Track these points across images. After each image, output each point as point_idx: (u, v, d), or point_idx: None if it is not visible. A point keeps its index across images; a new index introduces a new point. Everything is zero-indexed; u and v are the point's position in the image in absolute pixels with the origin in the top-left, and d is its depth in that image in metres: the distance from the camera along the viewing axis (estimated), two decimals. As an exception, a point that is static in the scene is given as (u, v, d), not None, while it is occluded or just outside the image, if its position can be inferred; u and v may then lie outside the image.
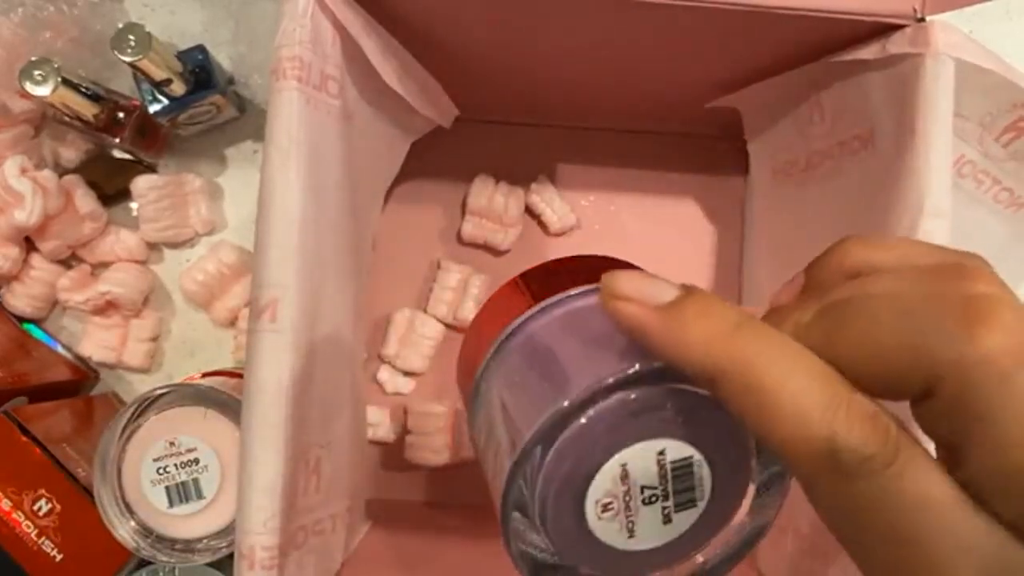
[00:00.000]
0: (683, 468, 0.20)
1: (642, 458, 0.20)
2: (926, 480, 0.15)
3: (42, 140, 0.48)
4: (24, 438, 0.39)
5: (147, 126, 0.47)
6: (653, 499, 0.21)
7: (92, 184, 0.47)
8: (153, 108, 0.44)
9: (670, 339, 0.18)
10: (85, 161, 0.48)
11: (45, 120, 0.47)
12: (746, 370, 0.17)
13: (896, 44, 0.32)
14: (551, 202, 0.48)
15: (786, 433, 0.16)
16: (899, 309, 0.17)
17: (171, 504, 0.37)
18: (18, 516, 0.38)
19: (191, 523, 0.37)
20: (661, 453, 0.20)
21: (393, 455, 0.47)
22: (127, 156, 0.48)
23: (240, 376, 0.43)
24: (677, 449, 0.20)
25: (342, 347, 0.37)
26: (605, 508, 0.20)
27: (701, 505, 0.21)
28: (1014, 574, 0.15)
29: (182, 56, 0.44)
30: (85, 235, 0.46)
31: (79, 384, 0.48)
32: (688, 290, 0.19)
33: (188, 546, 0.37)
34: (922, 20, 0.32)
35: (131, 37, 0.39)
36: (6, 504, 0.38)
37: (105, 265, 0.48)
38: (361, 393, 0.42)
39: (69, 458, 0.40)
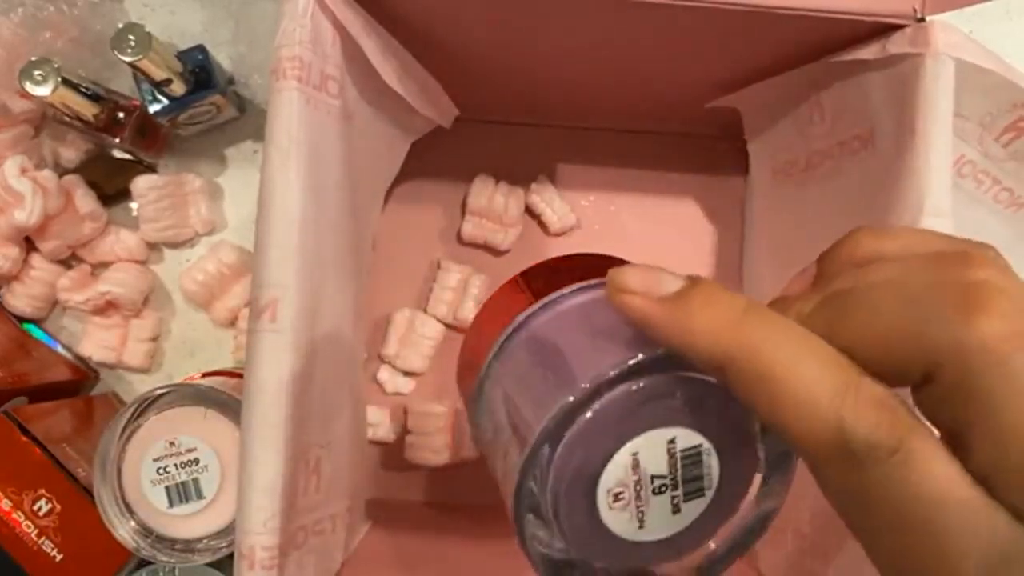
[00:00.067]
0: (692, 456, 0.21)
1: (653, 447, 0.20)
2: (934, 467, 0.15)
3: (42, 140, 0.48)
4: (24, 438, 0.39)
5: (147, 126, 0.47)
6: (663, 488, 0.21)
7: (92, 184, 0.47)
8: (153, 108, 0.44)
9: (677, 328, 0.18)
10: (85, 161, 0.48)
11: (45, 120, 0.47)
12: (754, 356, 0.17)
13: (896, 44, 0.32)
14: (551, 202, 0.48)
15: (795, 419, 0.16)
16: (900, 296, 0.17)
17: (171, 504, 0.37)
18: (18, 516, 0.38)
19: (191, 523, 0.37)
20: (671, 442, 0.20)
21: (393, 455, 0.47)
22: (127, 156, 0.48)
23: (240, 376, 0.43)
24: (686, 437, 0.20)
25: (342, 347, 0.37)
26: (616, 498, 0.20)
27: (709, 494, 0.21)
28: (1021, 561, 0.15)
29: (182, 56, 0.44)
30: (85, 235, 0.46)
31: (79, 384, 0.48)
32: (693, 280, 0.19)
33: (188, 546, 0.37)
34: (922, 20, 0.32)
35: (131, 37, 0.39)
36: (6, 504, 0.38)
37: (105, 265, 0.48)
38: (361, 393, 0.42)
39: (69, 458, 0.40)
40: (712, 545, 0.23)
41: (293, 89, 0.30)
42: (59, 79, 0.41)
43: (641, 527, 0.21)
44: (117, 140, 0.46)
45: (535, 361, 0.23)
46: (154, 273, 0.48)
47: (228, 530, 0.37)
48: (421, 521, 0.46)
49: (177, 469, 0.37)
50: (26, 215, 0.43)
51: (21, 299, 0.46)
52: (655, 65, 0.39)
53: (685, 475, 0.21)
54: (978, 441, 0.15)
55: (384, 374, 0.47)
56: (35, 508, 0.38)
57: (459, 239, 0.48)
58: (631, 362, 0.19)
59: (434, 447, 0.45)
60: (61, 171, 0.47)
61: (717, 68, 0.39)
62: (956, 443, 0.16)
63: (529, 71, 0.41)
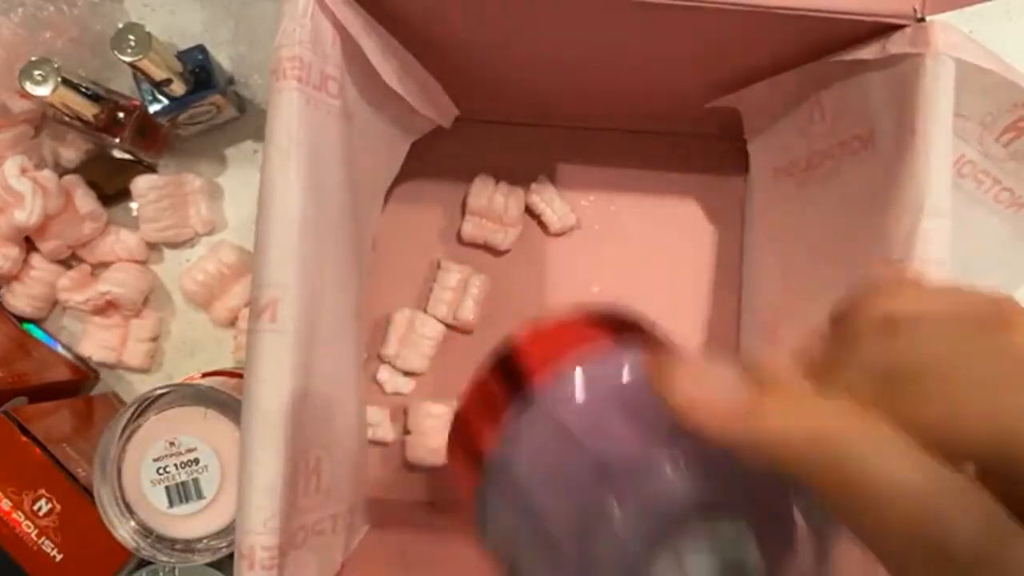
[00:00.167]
0: (734, 546, 0.19)
1: (696, 542, 0.18)
2: None
3: (42, 140, 0.48)
4: (24, 438, 0.39)
5: (147, 126, 0.47)
6: None
7: (92, 184, 0.47)
8: (153, 108, 0.44)
9: (747, 438, 0.17)
10: (85, 161, 0.48)
11: (45, 120, 0.47)
12: (840, 463, 0.15)
13: (896, 44, 0.32)
14: (551, 202, 0.48)
15: (888, 526, 0.15)
16: (959, 375, 0.16)
17: (171, 504, 0.37)
18: (18, 516, 0.38)
19: (191, 523, 0.37)
20: (712, 532, 0.18)
21: (393, 455, 0.47)
22: (127, 156, 0.48)
23: (240, 376, 0.43)
24: (730, 527, 0.19)
25: (342, 347, 0.37)
26: None
27: None
28: None
29: (182, 56, 0.44)
30: (85, 235, 0.46)
31: (79, 384, 0.48)
32: (762, 383, 0.17)
33: (188, 546, 0.37)
34: (922, 20, 0.32)
35: (131, 37, 0.39)
36: (6, 504, 0.38)
37: (105, 265, 0.48)
38: (361, 393, 0.42)
39: (69, 458, 0.40)
40: None
41: (293, 89, 0.30)
42: (59, 79, 0.41)
43: None
44: (117, 140, 0.46)
45: (563, 453, 0.20)
46: (154, 273, 0.48)
47: (228, 530, 0.37)
48: (421, 521, 0.46)
49: (177, 469, 0.37)
50: (26, 215, 0.43)
51: (21, 299, 0.46)
52: (655, 65, 0.39)
53: (725, 561, 0.19)
54: None
55: (384, 374, 0.47)
56: (35, 508, 0.38)
57: (459, 239, 0.48)
58: (706, 498, 0.17)
59: (434, 447, 0.45)
60: (61, 171, 0.47)
61: (717, 68, 0.39)
62: None
63: (529, 71, 0.41)
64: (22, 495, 0.38)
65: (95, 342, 0.47)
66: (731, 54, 0.37)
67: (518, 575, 0.21)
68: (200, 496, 0.37)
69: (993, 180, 0.37)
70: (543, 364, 0.21)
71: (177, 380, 0.47)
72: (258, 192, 0.30)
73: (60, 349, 0.47)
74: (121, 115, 0.45)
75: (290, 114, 0.30)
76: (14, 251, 0.45)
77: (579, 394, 0.20)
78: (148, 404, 0.37)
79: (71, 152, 0.47)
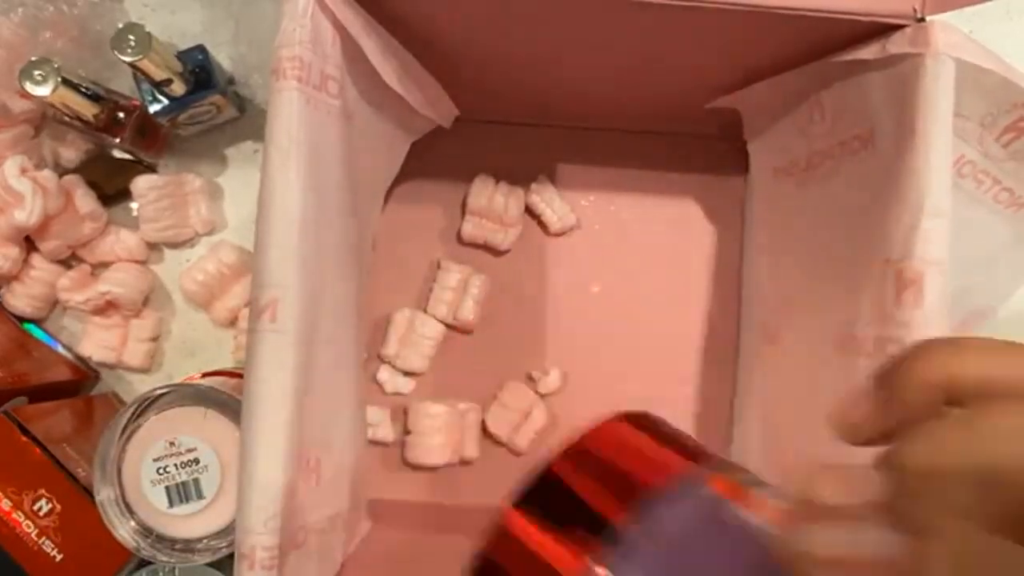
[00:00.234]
0: None
1: None
2: None
3: (42, 140, 0.48)
4: (24, 438, 0.39)
5: (147, 126, 0.47)
6: None
7: (92, 184, 0.47)
8: (153, 108, 0.44)
9: None
10: (85, 161, 0.48)
11: (45, 120, 0.47)
12: None
13: (896, 44, 0.32)
14: (551, 202, 0.48)
15: None
16: None
17: (171, 504, 0.37)
18: (18, 516, 0.38)
19: (191, 523, 0.37)
20: None
21: (393, 455, 0.47)
22: (127, 156, 0.48)
23: (240, 376, 0.43)
24: None
25: (342, 347, 0.37)
26: None
27: None
28: None
29: (182, 56, 0.44)
30: (85, 235, 0.46)
31: (79, 384, 0.48)
32: (922, 537, 0.16)
33: (188, 546, 0.37)
34: (922, 20, 0.32)
35: (131, 37, 0.39)
36: (6, 504, 0.38)
37: (105, 265, 0.48)
38: (361, 393, 0.42)
39: (69, 458, 0.40)
40: None
41: (293, 89, 0.30)
42: (59, 79, 0.41)
43: None
44: (117, 140, 0.46)
45: None
46: (154, 273, 0.48)
47: (228, 530, 0.37)
48: (421, 521, 0.46)
49: (177, 469, 0.37)
50: (26, 215, 0.43)
51: (21, 299, 0.46)
52: (655, 65, 0.39)
53: None
54: None
55: (384, 374, 0.47)
56: (35, 508, 0.38)
57: (459, 239, 0.48)
58: None
59: (434, 447, 0.45)
60: (61, 171, 0.47)
61: (717, 68, 0.39)
62: None
63: (529, 71, 0.41)
64: (22, 495, 0.38)
65: (95, 342, 0.47)
66: (731, 54, 0.37)
67: None
68: (200, 496, 0.37)
69: (993, 180, 0.37)
70: (620, 496, 0.18)
71: (177, 380, 0.47)
72: (258, 192, 0.30)
73: (60, 349, 0.47)
74: (121, 115, 0.46)
75: (290, 114, 0.30)
76: (14, 251, 0.45)
77: (674, 535, 0.17)
78: (148, 404, 0.37)
79: (71, 152, 0.47)
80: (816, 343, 0.37)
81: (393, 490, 0.47)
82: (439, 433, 0.45)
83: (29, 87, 0.41)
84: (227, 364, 0.48)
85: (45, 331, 0.48)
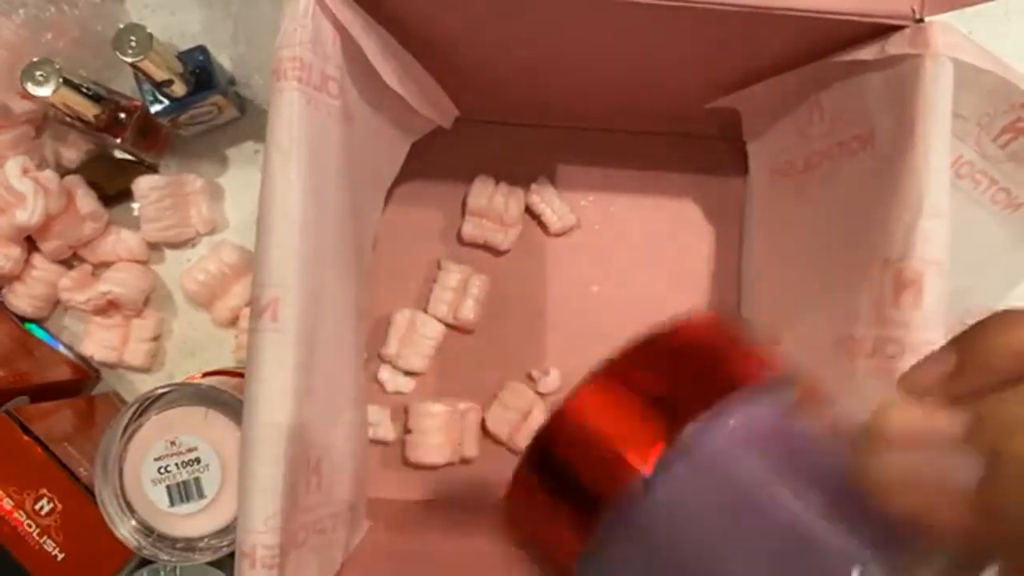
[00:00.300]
0: None
1: None
2: None
3: (43, 140, 0.48)
4: (26, 437, 0.39)
5: (148, 126, 0.47)
6: None
7: (93, 184, 0.47)
8: (154, 108, 0.44)
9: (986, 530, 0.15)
10: (86, 161, 0.48)
11: (46, 120, 0.48)
12: None
13: (895, 45, 0.32)
14: (551, 202, 0.48)
15: None
16: None
17: (172, 503, 0.37)
18: (20, 515, 0.38)
19: (192, 522, 0.37)
20: None
21: (393, 454, 0.47)
22: (128, 156, 0.49)
23: (241, 375, 0.43)
24: None
25: (343, 347, 0.37)
26: None
27: None
28: None
29: (183, 57, 0.44)
30: (86, 235, 0.47)
31: (80, 384, 0.48)
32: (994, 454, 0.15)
33: (189, 545, 0.37)
34: (921, 21, 0.32)
35: (132, 38, 0.40)
36: (8, 503, 0.38)
37: (106, 265, 0.48)
38: (362, 392, 0.42)
39: (71, 457, 0.40)
40: None
41: (294, 90, 0.30)
42: (60, 80, 0.41)
43: None
44: (118, 140, 0.46)
45: (733, 514, 0.16)
46: (155, 273, 0.49)
47: (229, 529, 0.37)
48: (421, 520, 0.46)
49: (178, 468, 0.37)
50: (27, 215, 0.43)
51: (23, 299, 0.46)
52: (655, 66, 0.39)
53: None
54: None
55: (385, 373, 0.47)
56: (37, 507, 0.38)
57: (459, 239, 0.48)
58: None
59: (434, 447, 0.45)
60: (62, 171, 0.47)
61: (717, 69, 0.39)
62: None
63: (529, 71, 0.41)
64: (24, 494, 0.38)
65: (96, 342, 0.47)
66: (731, 55, 0.37)
67: None
68: (201, 495, 0.37)
69: (990, 180, 0.37)
70: (690, 396, 0.17)
71: (178, 379, 0.47)
72: (259, 192, 0.30)
73: (62, 349, 0.48)
74: (122, 115, 0.46)
75: (291, 114, 0.30)
76: (16, 251, 0.45)
77: (746, 442, 0.17)
78: (149, 403, 0.37)
79: (72, 152, 0.48)
80: (815, 343, 0.37)
81: (393, 489, 0.47)
82: (439, 433, 0.46)
83: (30, 88, 0.41)
84: (228, 364, 0.48)
85: (46, 331, 0.48)
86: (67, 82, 0.41)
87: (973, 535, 0.15)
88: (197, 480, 0.37)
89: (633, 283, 0.49)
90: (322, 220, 0.32)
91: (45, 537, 0.38)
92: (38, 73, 0.41)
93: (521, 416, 0.47)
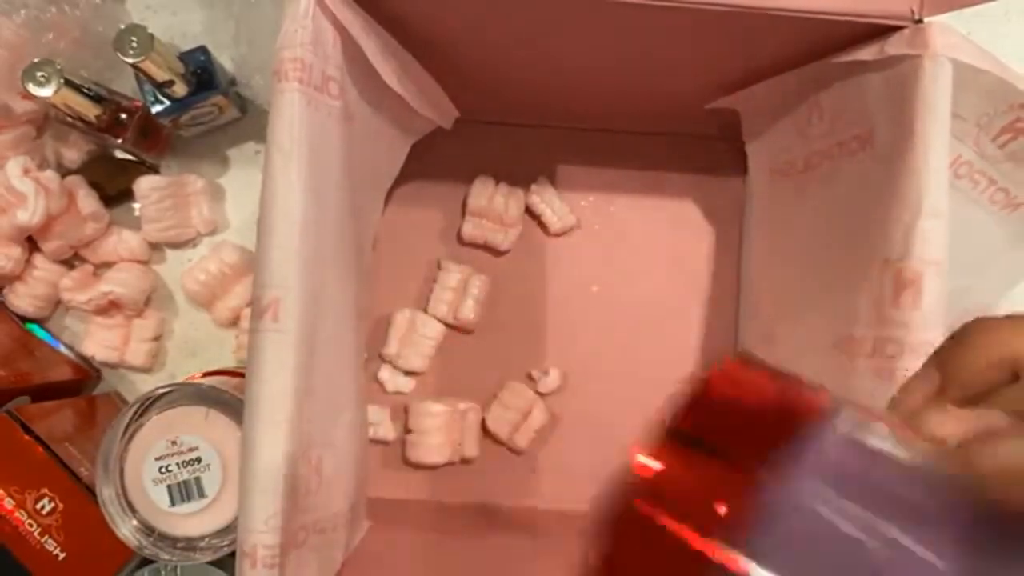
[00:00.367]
0: None
1: None
2: None
3: (45, 141, 0.48)
4: (27, 437, 0.39)
5: (149, 127, 0.47)
6: None
7: (94, 185, 0.47)
8: (155, 109, 0.44)
9: None
10: (87, 162, 0.48)
11: (48, 121, 0.48)
12: None
13: (894, 45, 0.32)
14: (551, 203, 0.48)
15: None
16: None
17: (173, 503, 0.37)
18: (21, 515, 0.38)
19: (193, 521, 0.37)
20: None
21: (393, 454, 0.47)
22: (129, 157, 0.49)
23: (242, 375, 0.43)
24: None
25: (343, 346, 0.37)
26: None
27: None
28: None
29: (184, 57, 0.44)
30: (87, 235, 0.47)
31: (81, 383, 0.48)
32: None
33: (190, 544, 0.37)
34: (920, 22, 0.32)
35: (133, 38, 0.40)
36: (9, 503, 0.38)
37: (107, 265, 0.48)
38: (362, 392, 0.42)
39: (72, 457, 0.40)
40: None
41: (295, 90, 0.30)
42: (61, 80, 0.41)
43: None
44: (119, 141, 0.46)
45: (836, 547, 0.15)
46: (156, 273, 0.49)
47: (230, 528, 0.37)
48: (421, 520, 0.46)
49: (179, 468, 0.37)
50: (29, 215, 0.43)
51: (24, 299, 0.46)
52: (654, 66, 0.39)
53: None
54: None
55: (385, 373, 0.47)
56: (38, 507, 0.38)
57: (459, 239, 0.48)
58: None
59: (434, 446, 0.46)
60: (64, 172, 0.47)
61: (716, 69, 0.39)
62: None
63: (529, 72, 0.41)
64: (25, 494, 0.38)
65: (97, 342, 0.47)
66: (730, 55, 0.37)
67: None
68: (202, 495, 0.37)
69: (989, 181, 0.37)
70: (759, 444, 0.16)
71: (179, 379, 0.47)
72: (260, 193, 0.30)
73: (63, 349, 0.48)
74: (123, 116, 0.46)
75: (292, 115, 0.30)
76: (17, 251, 0.45)
77: (836, 475, 0.16)
78: (150, 403, 0.37)
79: (73, 153, 0.48)
80: (815, 343, 0.38)
81: (393, 489, 0.47)
82: (439, 432, 0.46)
83: (32, 88, 0.41)
84: (229, 363, 0.48)
85: (47, 331, 0.48)
86: (68, 83, 0.41)
87: None
88: (198, 480, 0.37)
89: (633, 283, 0.49)
90: (322, 220, 0.32)
91: (46, 537, 0.38)
92: (39, 73, 0.41)
93: (521, 416, 0.47)
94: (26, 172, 0.43)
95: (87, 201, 0.46)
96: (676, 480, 0.16)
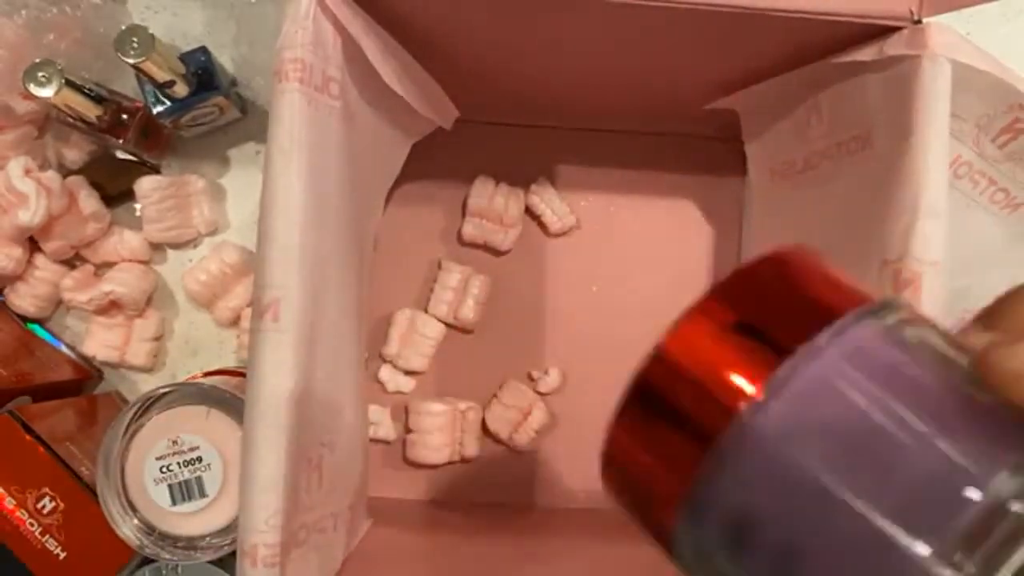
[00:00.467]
0: None
1: None
2: None
3: (46, 141, 0.48)
4: (28, 437, 0.39)
5: (150, 127, 0.47)
6: None
7: (95, 185, 0.47)
8: (156, 109, 0.44)
9: None
10: (89, 162, 0.48)
11: (49, 121, 0.48)
12: None
13: (893, 46, 0.32)
14: (551, 203, 0.48)
15: None
16: None
17: (174, 502, 0.37)
18: (22, 514, 0.38)
19: (194, 521, 0.37)
20: None
21: (394, 454, 0.47)
22: (130, 157, 0.49)
23: (242, 375, 0.43)
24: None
25: (344, 346, 0.37)
26: None
27: None
28: None
29: (185, 58, 0.44)
30: (88, 235, 0.47)
31: (82, 383, 0.48)
32: None
33: (191, 544, 0.38)
34: (919, 22, 0.32)
35: (134, 39, 0.40)
36: (10, 502, 0.38)
37: (108, 265, 0.48)
38: (362, 392, 0.42)
39: (73, 457, 0.40)
40: None
41: (295, 91, 0.30)
42: (62, 80, 0.41)
43: None
44: (120, 141, 0.46)
45: (866, 434, 0.15)
46: (157, 273, 0.49)
47: (231, 528, 0.37)
48: (421, 520, 0.46)
49: (180, 467, 0.37)
50: (30, 215, 0.43)
51: (25, 299, 0.47)
52: (654, 66, 0.39)
53: None
54: None
55: (385, 373, 0.47)
56: (39, 506, 0.38)
57: (459, 239, 0.48)
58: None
59: (434, 446, 0.46)
60: (65, 172, 0.47)
61: (715, 70, 0.39)
62: None
63: (529, 72, 0.41)
64: (26, 493, 0.38)
65: (98, 341, 0.47)
66: (729, 56, 0.37)
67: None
68: (203, 494, 0.37)
69: (988, 181, 0.37)
70: (796, 321, 0.16)
71: (180, 379, 0.47)
72: (260, 193, 0.30)
73: (64, 348, 0.48)
74: (124, 116, 0.46)
75: (292, 116, 0.30)
76: (18, 251, 0.45)
77: (859, 361, 0.16)
78: (151, 403, 0.37)
79: (75, 153, 0.48)
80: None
81: (394, 488, 0.47)
82: (439, 432, 0.46)
83: (33, 88, 0.41)
84: (230, 363, 0.48)
85: (49, 331, 0.48)
86: (69, 83, 0.41)
87: None
88: (199, 479, 0.37)
89: (633, 283, 0.49)
90: (323, 221, 0.32)
91: (47, 536, 0.38)
92: (40, 74, 0.41)
93: (521, 415, 0.47)
94: (27, 172, 0.43)
95: (88, 201, 0.46)
96: (706, 350, 0.17)
